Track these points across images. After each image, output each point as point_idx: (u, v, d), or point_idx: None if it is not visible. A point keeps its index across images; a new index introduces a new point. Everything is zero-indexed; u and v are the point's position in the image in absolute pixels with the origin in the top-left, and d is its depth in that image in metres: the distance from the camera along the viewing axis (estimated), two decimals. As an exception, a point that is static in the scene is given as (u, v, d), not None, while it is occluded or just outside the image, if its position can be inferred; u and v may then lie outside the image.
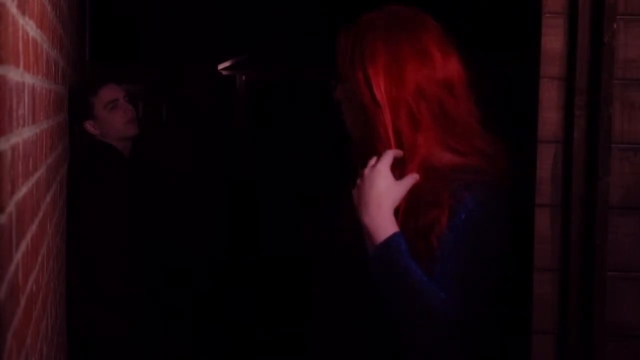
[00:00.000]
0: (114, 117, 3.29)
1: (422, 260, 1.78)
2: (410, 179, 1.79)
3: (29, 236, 1.55)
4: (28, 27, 1.53)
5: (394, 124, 1.79)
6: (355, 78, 1.81)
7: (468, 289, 1.80)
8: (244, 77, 8.28)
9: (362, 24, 1.86)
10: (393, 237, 1.75)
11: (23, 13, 1.45)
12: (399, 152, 1.80)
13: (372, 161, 1.80)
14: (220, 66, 8.00)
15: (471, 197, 1.80)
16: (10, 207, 1.27)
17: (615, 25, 1.95)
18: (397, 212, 1.81)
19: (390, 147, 1.80)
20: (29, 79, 1.56)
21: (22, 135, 1.44)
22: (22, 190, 1.43)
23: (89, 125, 3.29)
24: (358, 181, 1.81)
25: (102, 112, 3.28)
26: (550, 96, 2.01)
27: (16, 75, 1.36)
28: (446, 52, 1.84)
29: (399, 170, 1.81)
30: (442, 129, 1.82)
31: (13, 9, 1.30)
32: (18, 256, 1.37)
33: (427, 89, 1.80)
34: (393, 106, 1.79)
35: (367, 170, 1.80)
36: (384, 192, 1.78)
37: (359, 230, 1.83)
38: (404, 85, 1.79)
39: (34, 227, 1.65)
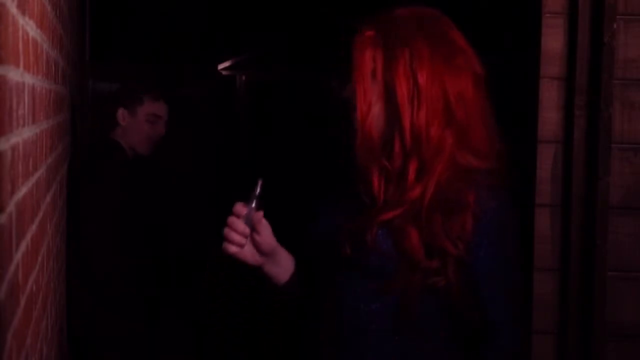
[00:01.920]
0: (144, 128, 3.37)
1: (450, 260, 1.77)
2: None
3: (29, 236, 1.55)
4: (28, 27, 1.53)
5: (427, 120, 1.78)
6: (394, 73, 1.79)
7: (510, 299, 1.82)
8: (244, 77, 8.28)
9: (393, 21, 1.84)
10: None
11: (23, 13, 1.45)
12: None
13: None
14: (220, 66, 8.01)
15: (497, 203, 1.80)
16: (10, 207, 1.27)
17: (615, 25, 1.95)
18: (420, 209, 1.79)
19: (416, 144, 1.78)
20: (29, 79, 1.56)
21: (22, 135, 1.44)
22: (22, 190, 1.43)
23: (121, 113, 3.32)
24: None
25: (141, 115, 3.34)
26: (550, 96, 2.01)
27: (16, 75, 1.36)
28: (474, 50, 1.84)
29: (419, 163, 1.79)
30: (469, 128, 1.81)
31: (13, 9, 1.30)
32: (18, 256, 1.37)
33: (463, 86, 1.80)
34: (431, 102, 1.78)
35: None
36: None
37: (360, 231, 1.83)
38: (444, 81, 1.78)
39: (34, 227, 1.65)
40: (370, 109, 1.81)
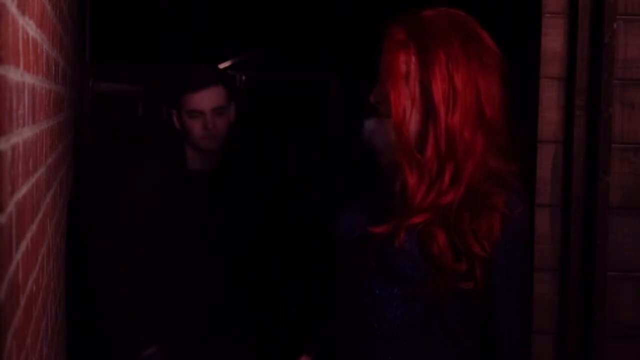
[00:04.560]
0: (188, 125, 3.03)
1: (478, 263, 1.77)
2: None
3: (29, 236, 1.55)
4: (28, 27, 1.53)
5: (461, 122, 1.77)
6: (430, 75, 1.78)
7: (524, 301, 1.83)
8: (244, 77, 8.28)
9: (424, 23, 1.83)
10: None
11: (23, 13, 1.45)
12: None
13: None
14: (220, 66, 8.00)
15: (523, 210, 1.81)
16: (10, 207, 1.27)
17: (615, 25, 1.95)
18: (450, 211, 1.78)
19: (450, 146, 1.78)
20: (29, 79, 1.55)
21: (22, 135, 1.44)
22: (22, 190, 1.43)
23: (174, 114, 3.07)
24: None
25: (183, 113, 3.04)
26: (550, 96, 2.01)
27: (16, 75, 1.36)
28: (500, 49, 1.84)
29: (454, 167, 1.79)
30: (497, 128, 1.81)
31: (13, 8, 1.30)
32: (18, 256, 1.37)
33: (493, 86, 1.80)
34: (465, 103, 1.78)
35: None
36: None
37: (369, 230, 1.82)
38: (477, 81, 1.78)
39: (34, 227, 1.65)
40: (405, 113, 1.80)
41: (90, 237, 2.92)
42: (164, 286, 2.97)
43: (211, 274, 3.01)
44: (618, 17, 1.95)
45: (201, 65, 3.26)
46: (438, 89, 1.77)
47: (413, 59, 1.80)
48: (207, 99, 3.00)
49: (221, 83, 3.08)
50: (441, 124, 1.77)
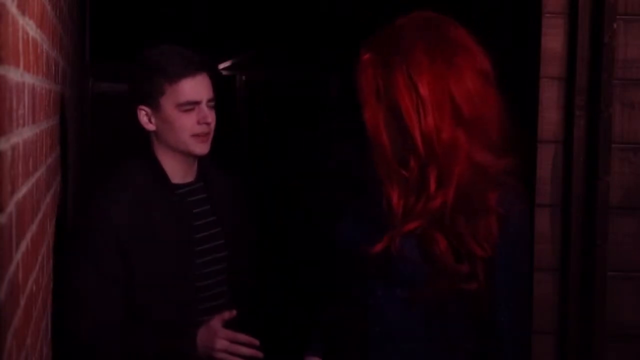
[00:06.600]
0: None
1: (480, 263, 1.77)
2: None
3: (29, 236, 1.55)
4: (28, 27, 1.53)
5: (436, 125, 1.77)
6: (395, 88, 1.79)
7: (524, 299, 1.84)
8: (244, 77, 8.29)
9: (390, 36, 1.84)
10: None
11: (23, 13, 1.45)
12: None
13: None
14: (220, 66, 8.01)
15: (521, 209, 1.81)
16: (10, 207, 1.27)
17: (615, 25, 1.95)
18: (444, 214, 1.78)
19: (430, 151, 1.78)
20: (29, 79, 1.56)
21: (22, 135, 1.44)
22: (22, 190, 1.43)
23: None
24: None
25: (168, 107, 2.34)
26: (550, 96, 2.01)
27: (16, 75, 1.36)
28: (478, 43, 1.84)
29: (438, 170, 1.79)
30: (481, 124, 1.81)
31: (13, 8, 1.30)
32: (18, 256, 1.37)
33: (468, 84, 1.79)
34: (437, 107, 1.78)
35: None
36: None
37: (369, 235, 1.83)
38: (448, 83, 1.78)
39: (34, 227, 1.65)
40: (378, 128, 1.81)
41: (77, 279, 2.25)
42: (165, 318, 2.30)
43: (219, 303, 2.34)
44: (618, 17, 1.95)
45: (172, 47, 2.57)
46: (405, 100, 1.78)
47: (379, 75, 1.82)
48: (204, 85, 2.34)
49: (208, 70, 2.44)
50: (415, 132, 1.78)
